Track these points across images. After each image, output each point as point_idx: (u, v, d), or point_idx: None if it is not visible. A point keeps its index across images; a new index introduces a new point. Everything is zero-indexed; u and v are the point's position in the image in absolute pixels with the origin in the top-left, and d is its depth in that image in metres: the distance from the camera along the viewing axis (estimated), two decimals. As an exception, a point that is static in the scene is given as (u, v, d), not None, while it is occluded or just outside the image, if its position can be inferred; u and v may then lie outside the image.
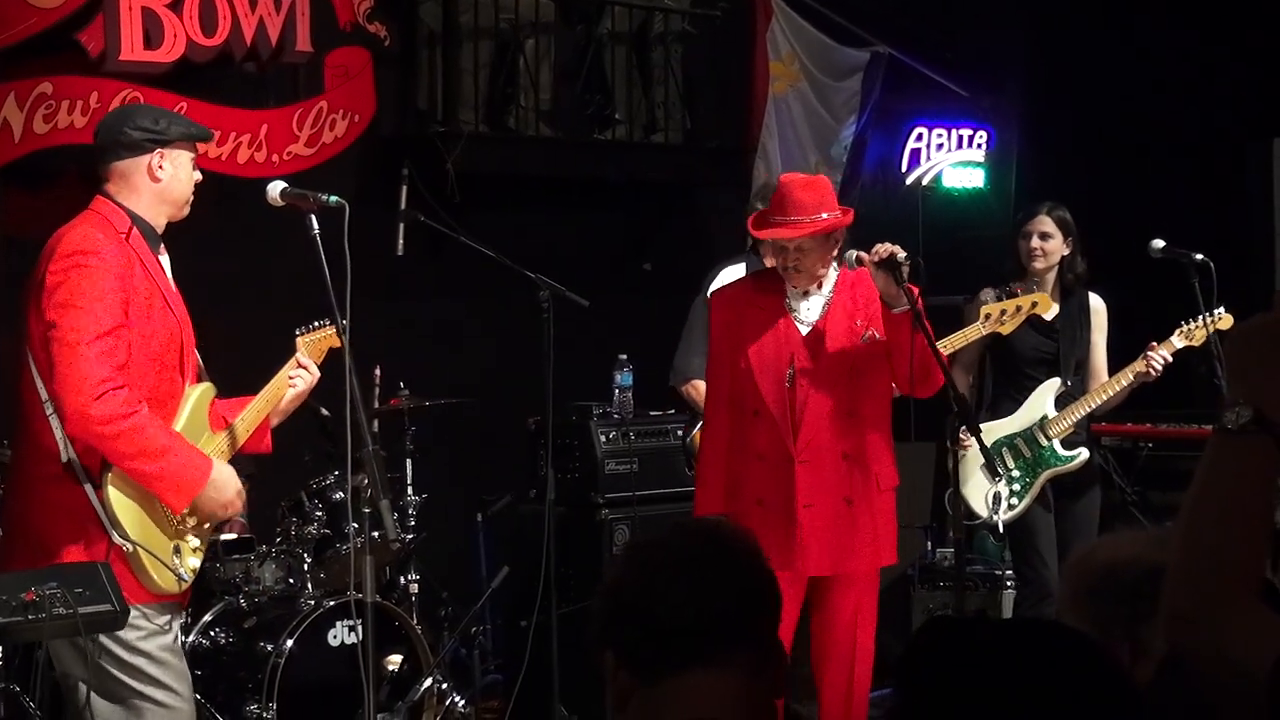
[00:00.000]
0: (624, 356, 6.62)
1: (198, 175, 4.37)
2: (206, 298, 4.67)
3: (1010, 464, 6.04)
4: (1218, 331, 5.94)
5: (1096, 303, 6.24)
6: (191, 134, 4.38)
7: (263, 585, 5.72)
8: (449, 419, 6.69)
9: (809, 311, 5.11)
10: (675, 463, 6.51)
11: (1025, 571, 6.22)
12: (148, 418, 4.08)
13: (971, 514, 5.92)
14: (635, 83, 8.11)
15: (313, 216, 4.34)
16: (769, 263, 5.34)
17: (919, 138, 9.41)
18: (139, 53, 6.29)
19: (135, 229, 4.21)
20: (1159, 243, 6.08)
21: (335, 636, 5.52)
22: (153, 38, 6.32)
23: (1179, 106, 9.17)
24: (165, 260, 4.33)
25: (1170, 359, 6.02)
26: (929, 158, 9.45)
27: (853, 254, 5.01)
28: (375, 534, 4.54)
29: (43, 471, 4.12)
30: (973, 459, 5.65)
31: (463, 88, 7.41)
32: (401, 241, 7.29)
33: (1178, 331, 6.05)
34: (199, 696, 4.70)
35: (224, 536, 5.67)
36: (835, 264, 5.13)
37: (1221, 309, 6.01)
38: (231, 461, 4.38)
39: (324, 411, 5.63)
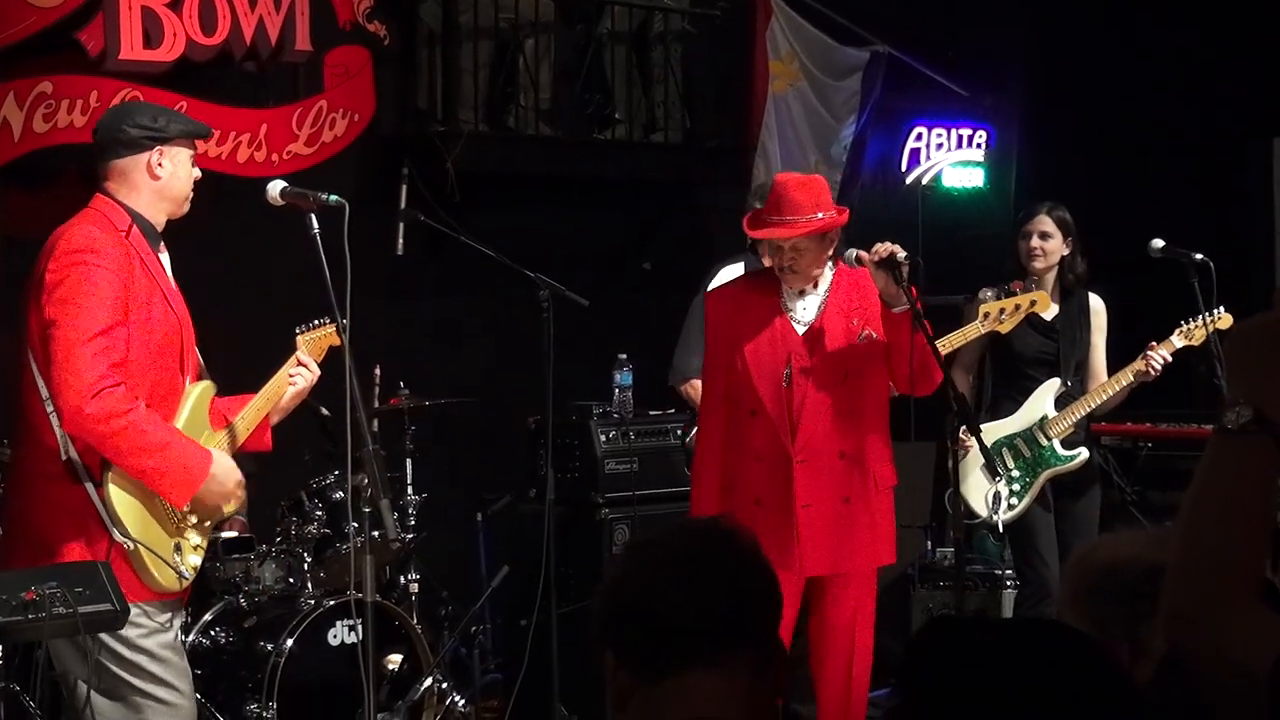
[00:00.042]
0: (624, 356, 6.62)
1: (197, 172, 4.38)
2: (206, 297, 4.67)
3: (1010, 464, 6.04)
4: (1217, 331, 5.94)
5: (1096, 303, 6.24)
6: (190, 131, 4.38)
7: (263, 584, 5.72)
8: (449, 418, 6.69)
9: (805, 311, 5.10)
10: (675, 462, 6.51)
11: (1025, 571, 6.22)
12: (145, 414, 4.08)
13: (971, 513, 5.92)
14: (635, 82, 8.11)
15: (313, 216, 4.34)
16: (767, 262, 5.34)
17: (919, 137, 9.41)
18: (139, 52, 6.29)
19: (135, 227, 4.22)
20: (1159, 242, 6.08)
21: (335, 636, 5.52)
22: (152, 37, 6.32)
23: (1179, 106, 9.16)
24: (165, 258, 4.33)
25: (1170, 358, 6.02)
26: (929, 157, 9.45)
27: (853, 253, 5.01)
28: (375, 533, 4.54)
29: (43, 470, 4.13)
30: (973, 459, 5.66)
31: (462, 87, 7.41)
32: (401, 241, 7.29)
33: (1177, 331, 6.05)
34: (199, 696, 4.69)
35: (224, 535, 5.67)
36: (831, 263, 5.13)
37: (1221, 308, 6.01)
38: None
39: (324, 411, 5.63)
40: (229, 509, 4.41)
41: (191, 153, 4.35)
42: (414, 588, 6.13)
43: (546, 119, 7.72)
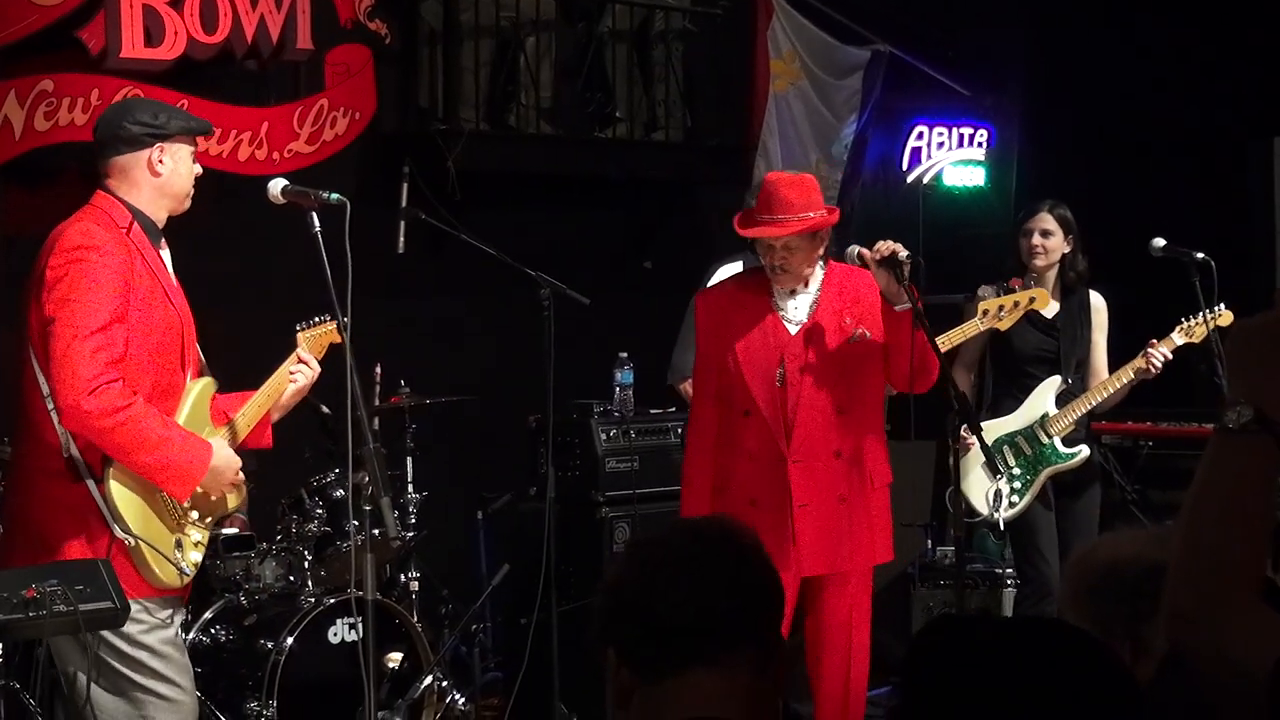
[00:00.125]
0: (624, 354, 6.62)
1: (198, 169, 4.38)
2: (207, 295, 4.67)
3: (1011, 461, 6.04)
4: (1218, 328, 5.94)
5: (1097, 301, 6.25)
6: (191, 128, 4.38)
7: (263, 583, 5.72)
8: (449, 416, 6.69)
9: (797, 311, 5.09)
10: (675, 461, 6.47)
11: (1026, 570, 6.22)
12: (144, 409, 4.08)
13: (972, 511, 5.92)
14: (636, 80, 8.11)
15: (314, 214, 4.34)
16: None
17: (920, 136, 9.41)
18: (140, 50, 6.29)
19: (136, 224, 4.22)
20: (1160, 241, 6.09)
21: (335, 634, 5.52)
22: (153, 35, 6.32)
23: (1180, 105, 9.16)
24: (166, 255, 4.33)
25: (1170, 356, 6.02)
26: (930, 156, 9.45)
27: (854, 249, 5.01)
28: (376, 531, 4.54)
29: (44, 467, 4.13)
30: (973, 456, 5.67)
31: (463, 85, 7.41)
32: (402, 239, 7.29)
33: (1178, 328, 6.06)
34: (199, 694, 4.69)
35: (224, 533, 5.67)
36: (822, 262, 5.12)
37: (1221, 305, 6.01)
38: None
39: (325, 409, 5.64)
40: (232, 502, 4.42)
41: (192, 150, 4.36)
42: (414, 586, 6.13)
43: (547, 117, 7.72)
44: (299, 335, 4.60)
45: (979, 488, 5.92)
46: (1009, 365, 6.17)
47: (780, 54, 8.55)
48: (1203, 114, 9.14)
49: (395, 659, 5.66)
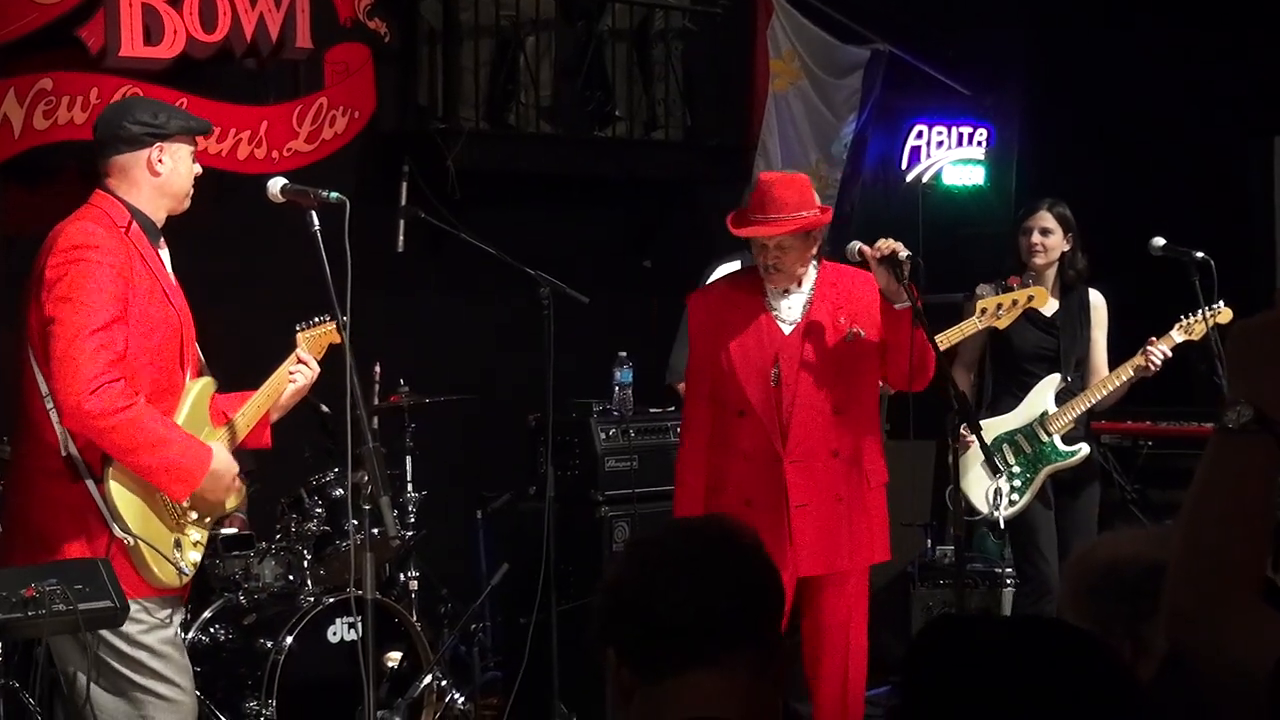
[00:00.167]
0: (624, 354, 6.61)
1: (197, 169, 4.37)
2: (206, 294, 4.67)
3: (1011, 460, 6.04)
4: (1217, 326, 5.94)
5: (1097, 299, 6.25)
6: (190, 127, 4.38)
7: (262, 582, 5.72)
8: (449, 416, 6.69)
9: (790, 310, 5.09)
10: (675, 460, 6.50)
11: (1026, 568, 6.22)
12: (144, 410, 4.08)
13: (972, 510, 5.92)
14: (636, 80, 8.11)
15: (313, 213, 4.34)
16: (764, 259, 5.33)
17: (919, 135, 9.42)
18: (139, 49, 6.29)
19: (135, 223, 4.21)
20: (1159, 240, 6.09)
21: (335, 633, 5.52)
22: (153, 34, 6.32)
23: (1179, 104, 9.16)
24: (165, 254, 4.33)
25: (1169, 353, 6.02)
26: (929, 155, 9.45)
27: (855, 246, 5.00)
28: (375, 531, 4.54)
29: (44, 466, 4.13)
30: (973, 455, 5.66)
31: (463, 84, 7.41)
32: (402, 238, 7.29)
33: (1177, 326, 6.06)
34: (198, 693, 4.69)
35: (224, 532, 5.67)
36: (815, 262, 5.12)
37: (1221, 303, 6.00)
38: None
39: (324, 408, 5.63)
40: (231, 504, 4.42)
41: (192, 149, 4.35)
42: (414, 585, 6.13)
43: (547, 116, 7.72)
44: (298, 335, 4.59)
45: (979, 486, 5.92)
46: (1008, 364, 6.18)
47: (780, 53, 8.55)
48: (1203, 114, 9.14)
49: (395, 658, 5.66)
